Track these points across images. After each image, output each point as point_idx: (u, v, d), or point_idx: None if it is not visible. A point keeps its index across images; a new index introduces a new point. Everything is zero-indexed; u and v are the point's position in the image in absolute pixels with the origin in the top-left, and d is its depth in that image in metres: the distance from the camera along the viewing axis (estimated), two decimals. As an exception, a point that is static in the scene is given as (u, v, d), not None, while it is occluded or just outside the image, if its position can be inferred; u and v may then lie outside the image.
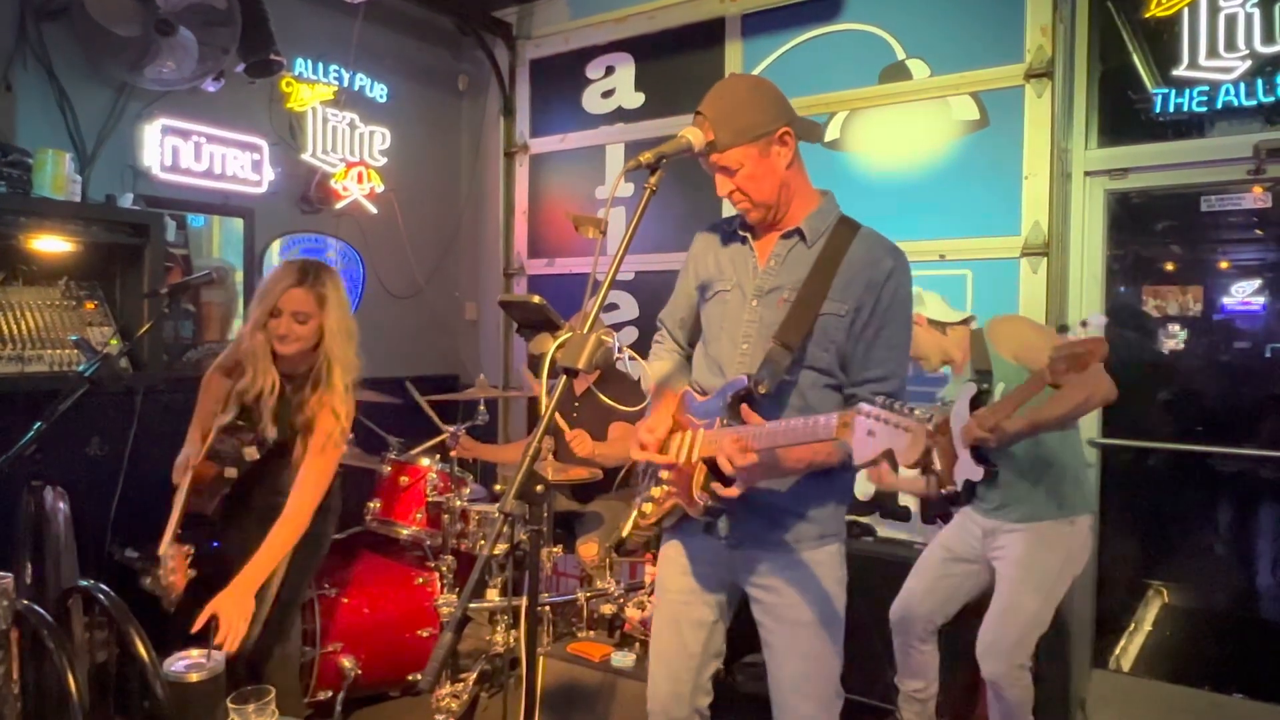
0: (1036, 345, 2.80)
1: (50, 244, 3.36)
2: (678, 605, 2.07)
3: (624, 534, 2.11)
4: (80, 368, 2.76)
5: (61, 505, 2.74)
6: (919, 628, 2.98)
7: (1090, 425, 3.55)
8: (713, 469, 1.79)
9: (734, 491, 1.74)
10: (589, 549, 3.48)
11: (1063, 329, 2.53)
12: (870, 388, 1.82)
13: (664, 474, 1.98)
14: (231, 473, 2.61)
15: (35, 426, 2.52)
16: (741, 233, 1.99)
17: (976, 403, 2.82)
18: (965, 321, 3.03)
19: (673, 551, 2.09)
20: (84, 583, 2.18)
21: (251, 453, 2.59)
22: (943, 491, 1.43)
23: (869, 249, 1.88)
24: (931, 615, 2.97)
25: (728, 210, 4.23)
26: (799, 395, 1.88)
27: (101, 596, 2.00)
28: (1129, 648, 3.72)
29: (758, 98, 1.86)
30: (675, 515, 2.00)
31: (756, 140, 1.83)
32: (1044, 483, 2.77)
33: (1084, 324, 2.55)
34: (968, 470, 2.68)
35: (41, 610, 1.93)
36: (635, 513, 2.06)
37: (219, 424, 2.61)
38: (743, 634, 2.16)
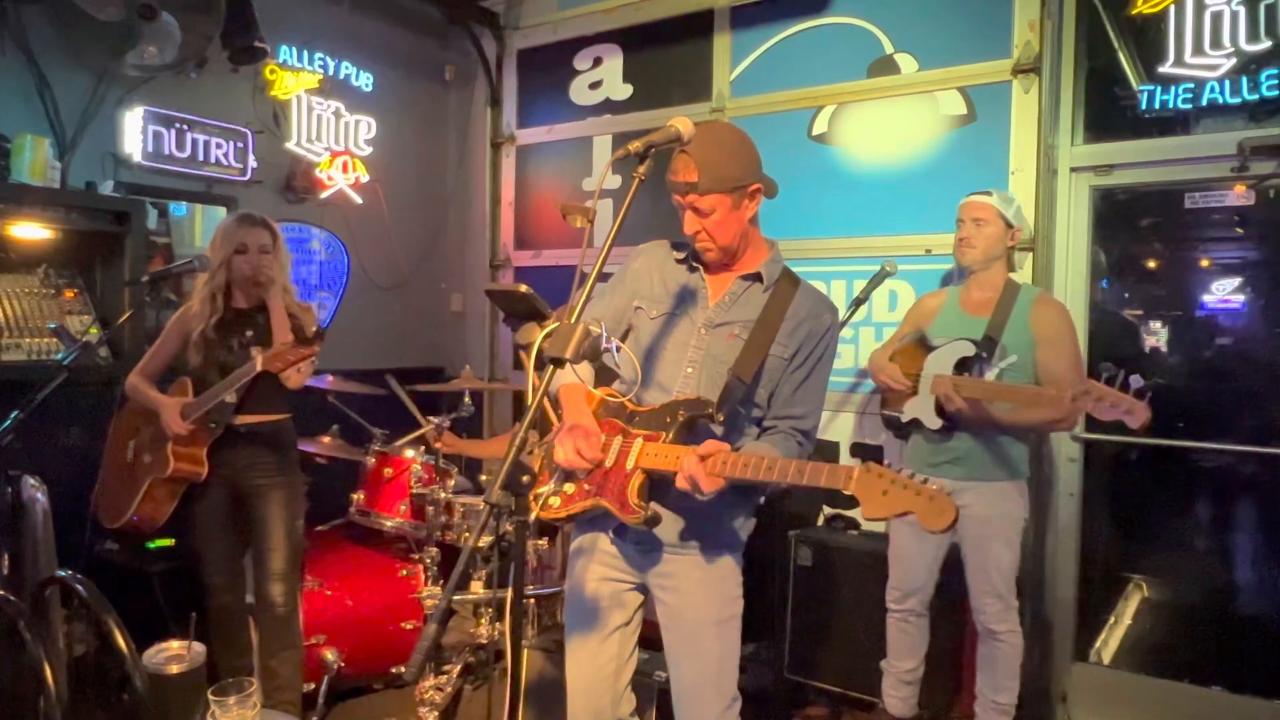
0: (1064, 361, 2.88)
1: (29, 231, 3.32)
2: (591, 613, 2.08)
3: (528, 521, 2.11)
4: (59, 356, 2.75)
5: (39, 495, 2.71)
6: (915, 601, 3.08)
7: (1080, 420, 3.57)
8: (652, 479, 1.89)
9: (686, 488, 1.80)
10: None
11: (1110, 376, 2.59)
12: (791, 423, 2.00)
13: (581, 474, 1.99)
14: (231, 397, 2.84)
15: (12, 415, 2.49)
16: (695, 264, 2.09)
17: (962, 365, 2.88)
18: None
19: (584, 557, 2.12)
20: (62, 574, 2.15)
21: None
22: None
23: (813, 303, 2.04)
24: (925, 585, 3.07)
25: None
26: (736, 424, 2.00)
27: (80, 587, 1.98)
28: (1110, 641, 3.75)
29: (741, 152, 1.97)
30: (586, 515, 2.02)
31: (732, 191, 1.94)
32: (994, 446, 2.92)
33: (1133, 386, 2.57)
34: (924, 413, 2.92)
35: (18, 601, 1.91)
36: (539, 504, 2.04)
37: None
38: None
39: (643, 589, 2.10)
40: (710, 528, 2.02)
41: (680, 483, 1.80)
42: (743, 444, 1.98)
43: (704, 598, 2.02)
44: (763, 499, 2.13)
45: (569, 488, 2.02)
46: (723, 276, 2.08)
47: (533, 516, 2.05)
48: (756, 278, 2.05)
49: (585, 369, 2.10)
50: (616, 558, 2.08)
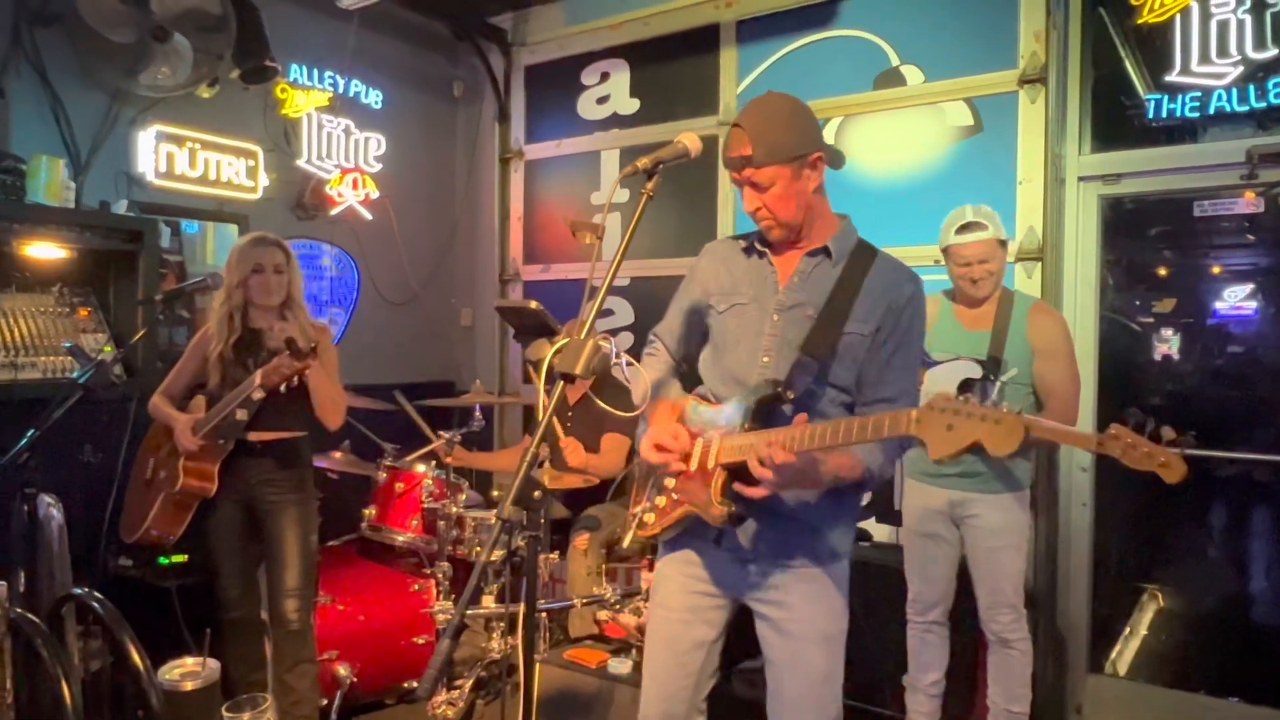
0: (1062, 372, 2.86)
1: (44, 250, 3.35)
2: (676, 624, 2.02)
3: (625, 544, 2.08)
4: (74, 374, 2.77)
5: (55, 513, 2.73)
6: (938, 612, 3.07)
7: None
8: (735, 475, 1.80)
9: (761, 492, 1.73)
10: (582, 539, 3.50)
11: (1138, 422, 2.54)
12: (882, 407, 1.84)
13: (670, 482, 1.94)
14: (243, 414, 2.87)
15: (29, 434, 2.51)
16: (760, 248, 2.00)
17: (965, 385, 2.86)
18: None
19: (673, 568, 2.04)
20: (78, 591, 2.16)
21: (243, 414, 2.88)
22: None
23: (890, 272, 1.92)
24: (946, 594, 3.07)
25: (722, 215, 4.24)
26: (815, 407, 1.89)
27: (96, 605, 1.99)
28: (1125, 652, 3.72)
29: (796, 120, 1.89)
30: (680, 526, 1.96)
31: (790, 162, 1.85)
32: (998, 460, 2.83)
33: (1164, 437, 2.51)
34: None
35: (35, 619, 1.92)
36: (635, 523, 2.00)
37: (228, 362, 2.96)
38: (739, 640, 2.14)
39: (735, 604, 2.02)
40: (809, 539, 1.93)
41: (753, 468, 1.69)
42: None
43: (809, 612, 1.93)
44: (864, 498, 2.05)
45: (661, 501, 1.97)
46: (789, 256, 1.97)
47: (629, 537, 2.03)
48: (825, 252, 1.94)
49: (669, 380, 2.07)
50: (706, 569, 2.00)
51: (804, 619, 1.92)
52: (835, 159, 2.00)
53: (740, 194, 1.93)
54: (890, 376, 1.89)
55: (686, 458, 1.87)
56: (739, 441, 1.79)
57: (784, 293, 1.94)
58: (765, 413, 1.82)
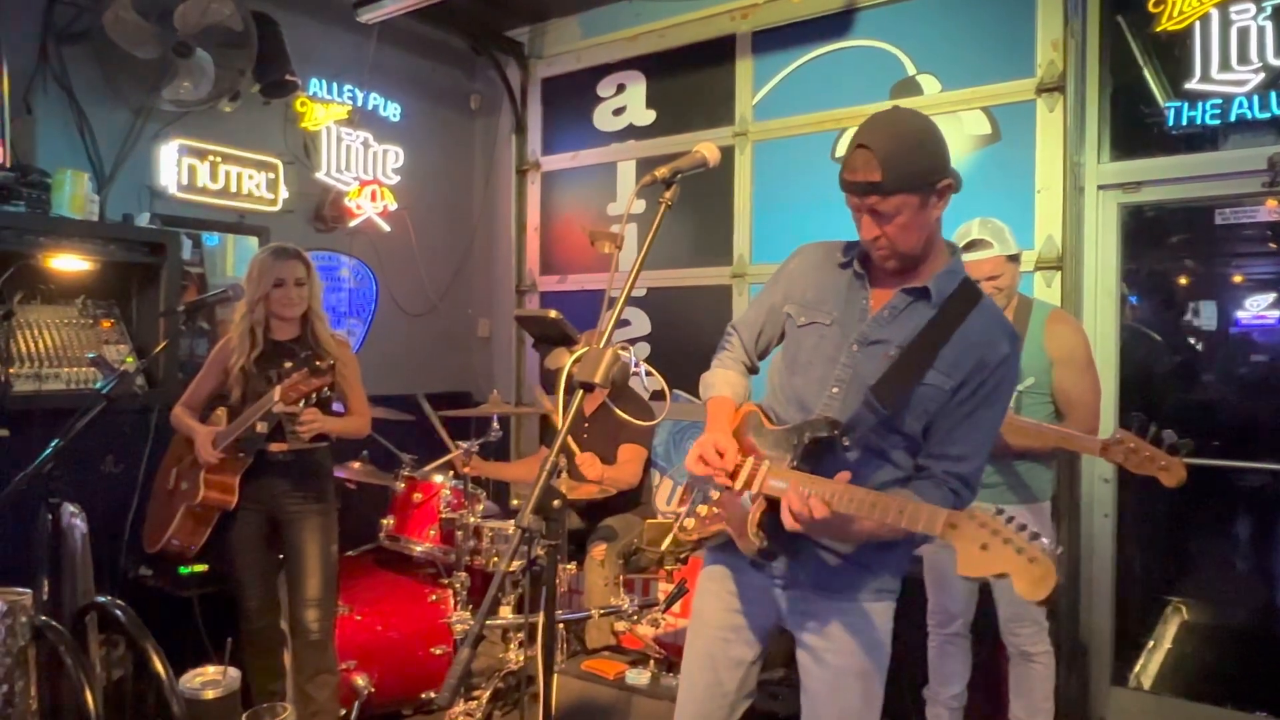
0: (1083, 382, 2.84)
1: (68, 263, 3.39)
2: (716, 641, 1.95)
3: (662, 546, 2.06)
4: (97, 385, 2.80)
5: (78, 523, 2.76)
6: (960, 624, 3.05)
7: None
8: (774, 507, 1.72)
9: (796, 527, 1.66)
10: (599, 550, 3.50)
11: (1141, 427, 2.56)
12: (946, 465, 1.74)
13: (715, 494, 1.89)
14: (263, 427, 2.89)
15: (53, 444, 2.54)
16: (859, 269, 1.86)
17: None
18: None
19: (715, 583, 1.98)
20: (101, 599, 2.18)
21: (262, 427, 2.90)
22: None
23: (987, 327, 1.76)
24: (968, 607, 3.04)
25: (739, 227, 4.23)
26: (879, 452, 1.80)
27: (118, 613, 2.01)
28: (1149, 665, 3.68)
29: (930, 142, 1.72)
30: (718, 540, 1.92)
31: (921, 190, 1.69)
32: (1017, 471, 2.88)
33: (1166, 441, 2.52)
34: None
35: (59, 627, 1.94)
36: (677, 525, 1.97)
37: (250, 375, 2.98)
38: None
39: (776, 628, 1.95)
40: (854, 573, 1.85)
41: (785, 517, 1.64)
42: (879, 478, 1.78)
43: (850, 645, 1.84)
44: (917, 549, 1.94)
45: (703, 510, 1.92)
46: (889, 287, 1.82)
47: (667, 541, 2.00)
48: (923, 294, 1.78)
49: (739, 382, 1.99)
50: (748, 590, 1.94)
51: (844, 651, 1.85)
52: (958, 180, 1.81)
53: (857, 220, 1.77)
54: (962, 434, 1.74)
55: (735, 473, 1.79)
56: (783, 478, 1.70)
57: (870, 324, 1.81)
58: (816, 454, 1.73)
